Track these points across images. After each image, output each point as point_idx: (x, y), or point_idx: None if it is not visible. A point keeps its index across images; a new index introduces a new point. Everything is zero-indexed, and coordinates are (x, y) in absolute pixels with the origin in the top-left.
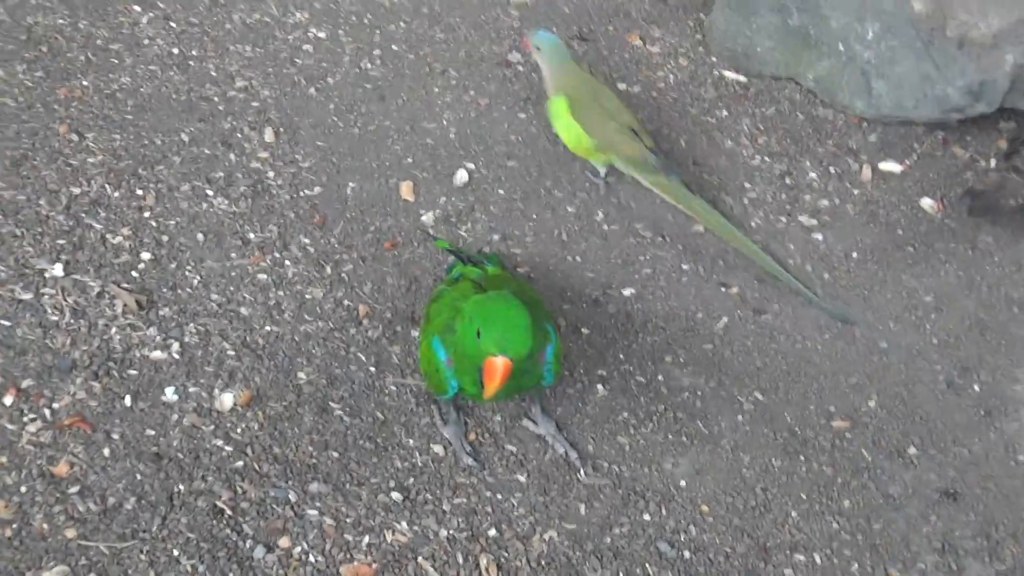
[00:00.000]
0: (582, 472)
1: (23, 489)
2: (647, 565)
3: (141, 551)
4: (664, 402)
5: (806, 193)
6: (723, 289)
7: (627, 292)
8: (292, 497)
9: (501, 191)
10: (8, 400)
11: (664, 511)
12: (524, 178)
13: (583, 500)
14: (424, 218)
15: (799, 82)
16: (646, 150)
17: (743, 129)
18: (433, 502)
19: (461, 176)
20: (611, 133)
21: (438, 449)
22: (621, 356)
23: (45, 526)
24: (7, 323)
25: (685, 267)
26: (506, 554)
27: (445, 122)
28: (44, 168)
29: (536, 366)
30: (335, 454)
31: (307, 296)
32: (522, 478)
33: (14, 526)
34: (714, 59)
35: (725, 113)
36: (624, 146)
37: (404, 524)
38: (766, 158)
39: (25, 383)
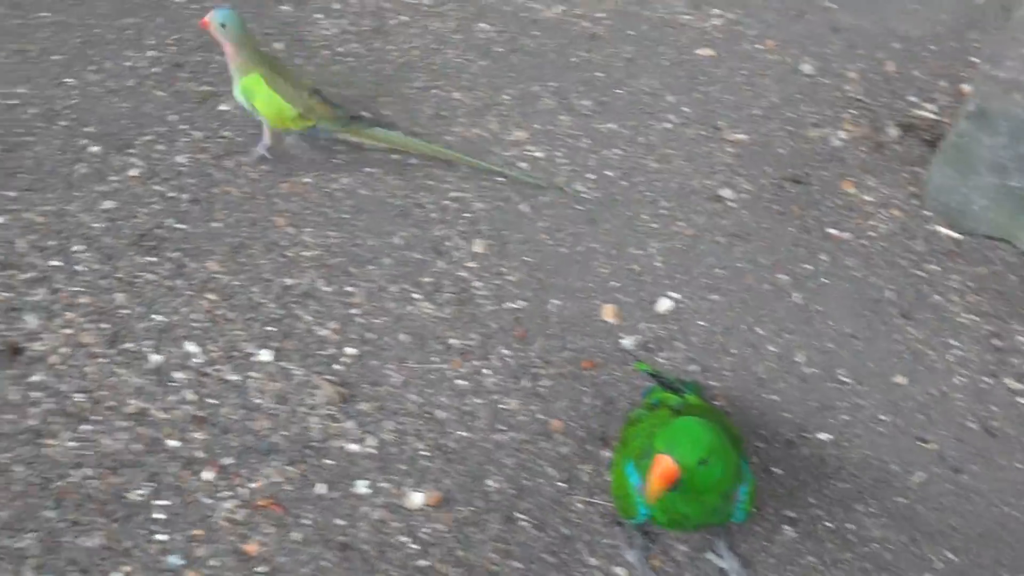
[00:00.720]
0: None
1: (214, 563)
2: None
3: None
4: (852, 551)
5: (1014, 356)
6: (921, 444)
7: (823, 436)
8: None
9: (702, 323)
10: (209, 475)
11: None
12: (727, 312)
13: None
14: (624, 342)
15: (1014, 244)
16: (335, 108)
17: (952, 286)
18: None
19: (663, 304)
20: (307, 99)
21: (620, 572)
22: (811, 500)
23: None
24: (214, 401)
25: (884, 418)
26: None
27: (652, 249)
28: (260, 257)
29: (729, 504)
30: (518, 564)
31: (502, 406)
32: None
33: None
34: (927, 213)
35: (935, 268)
36: (320, 108)
37: None
38: (975, 317)
39: (226, 461)
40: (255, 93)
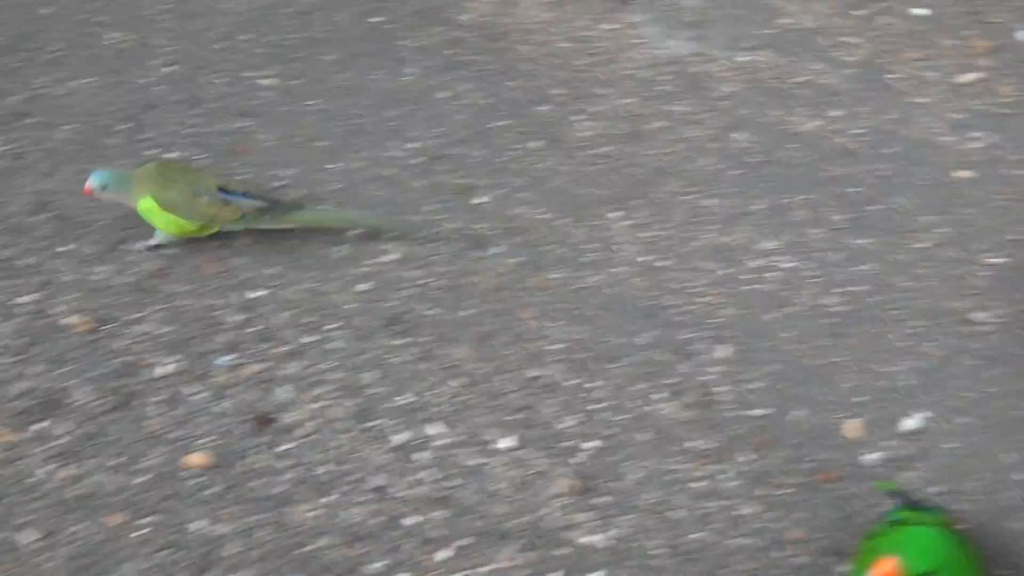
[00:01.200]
0: None
1: None
2: None
3: None
4: None
5: None
6: None
7: None
8: None
9: (948, 445)
10: (444, 555)
11: None
12: (974, 436)
13: None
14: (864, 458)
15: None
16: (238, 210)
17: None
18: None
19: (908, 423)
20: (206, 208)
21: None
22: None
23: None
24: (453, 484)
25: None
26: None
27: (898, 367)
28: (506, 348)
29: None
30: None
31: (736, 512)
32: None
33: None
34: None
35: None
36: (223, 212)
37: None
38: None
39: (462, 542)
40: (152, 216)
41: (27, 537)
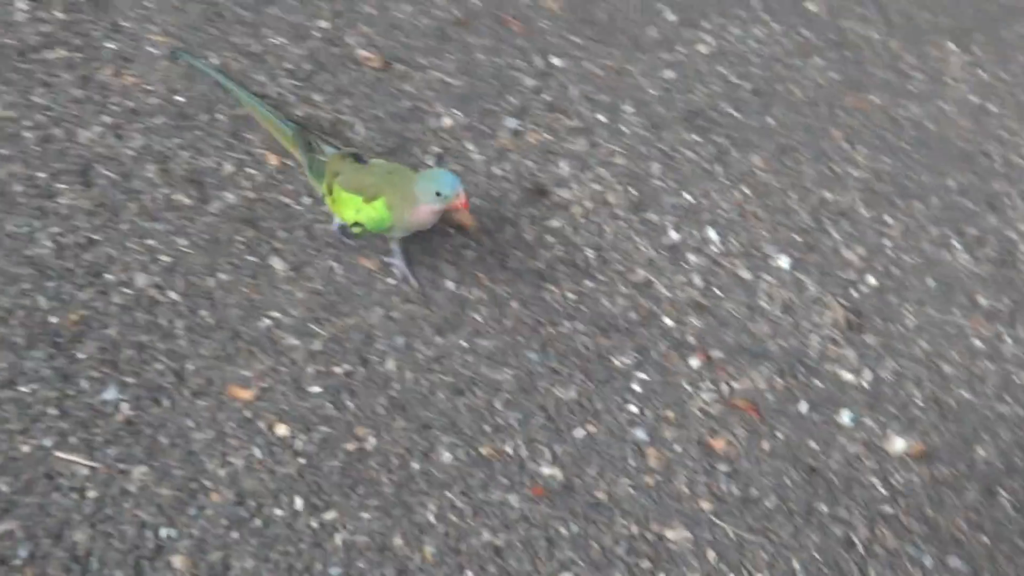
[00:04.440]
0: None
1: (677, 448)
2: None
3: (764, 549)
4: None
5: None
6: None
7: None
8: (928, 563)
9: None
10: (695, 362)
11: None
12: None
13: None
14: None
15: None
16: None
17: None
18: None
19: None
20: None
21: None
22: None
23: (685, 489)
24: (719, 293)
25: None
26: None
27: None
28: (807, 165)
29: None
30: (985, 539)
31: (1015, 379)
32: None
33: (658, 477)
34: None
35: None
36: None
37: None
38: None
39: (715, 353)
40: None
41: (278, 264)
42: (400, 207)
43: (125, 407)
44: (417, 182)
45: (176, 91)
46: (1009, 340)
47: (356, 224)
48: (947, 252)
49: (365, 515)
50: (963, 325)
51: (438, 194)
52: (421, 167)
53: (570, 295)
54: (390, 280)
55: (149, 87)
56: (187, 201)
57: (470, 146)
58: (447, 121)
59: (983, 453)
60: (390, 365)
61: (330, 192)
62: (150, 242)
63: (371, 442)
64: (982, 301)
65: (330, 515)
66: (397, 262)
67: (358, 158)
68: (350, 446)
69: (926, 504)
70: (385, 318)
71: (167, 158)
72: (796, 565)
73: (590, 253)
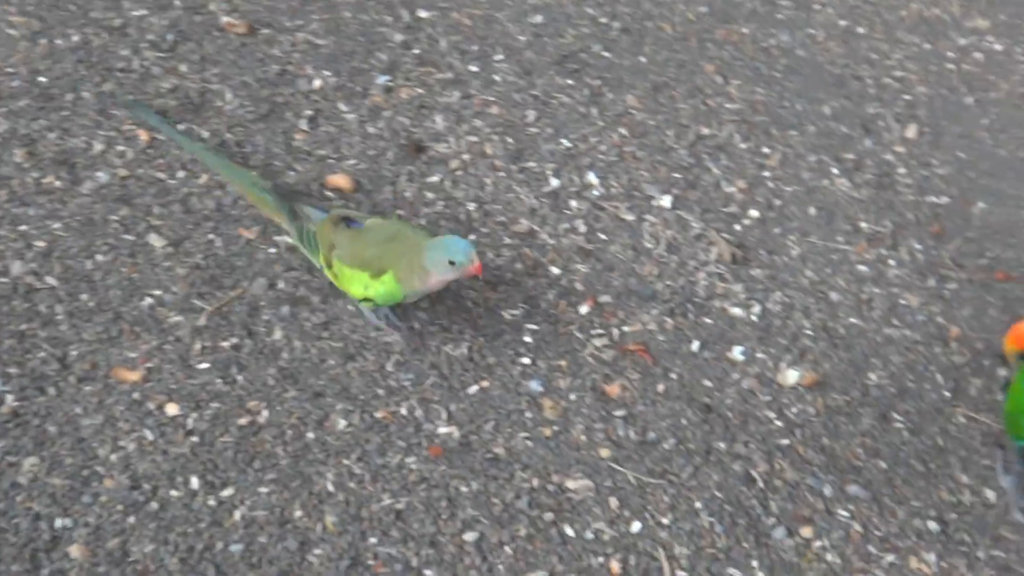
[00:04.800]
0: None
1: (573, 397)
2: None
3: (665, 492)
4: None
5: None
6: None
7: None
8: (827, 491)
9: None
10: (584, 309)
11: None
12: None
13: None
14: None
15: None
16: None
17: None
18: (970, 545)
19: None
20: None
21: (990, 495)
22: None
23: (583, 438)
24: (603, 237)
25: None
26: None
27: None
28: (681, 101)
29: None
30: (883, 464)
31: (901, 301)
32: None
33: (555, 428)
34: None
35: None
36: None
37: (932, 556)
38: None
39: (603, 298)
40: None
41: (156, 241)
42: (410, 278)
43: (10, 398)
44: (427, 252)
45: (38, 72)
46: (893, 263)
47: (366, 299)
48: (826, 179)
49: (263, 489)
50: (847, 251)
51: (452, 263)
52: (294, 134)
53: None
54: (271, 250)
55: (10, 69)
56: (58, 184)
57: (343, 106)
58: (317, 83)
59: (875, 379)
60: (278, 335)
61: (330, 266)
62: (23, 228)
63: (264, 415)
64: (864, 226)
65: (227, 492)
66: (370, 317)
67: (350, 221)
68: (243, 420)
69: (822, 434)
70: (269, 288)
71: (34, 141)
72: (698, 505)
73: (471, 207)
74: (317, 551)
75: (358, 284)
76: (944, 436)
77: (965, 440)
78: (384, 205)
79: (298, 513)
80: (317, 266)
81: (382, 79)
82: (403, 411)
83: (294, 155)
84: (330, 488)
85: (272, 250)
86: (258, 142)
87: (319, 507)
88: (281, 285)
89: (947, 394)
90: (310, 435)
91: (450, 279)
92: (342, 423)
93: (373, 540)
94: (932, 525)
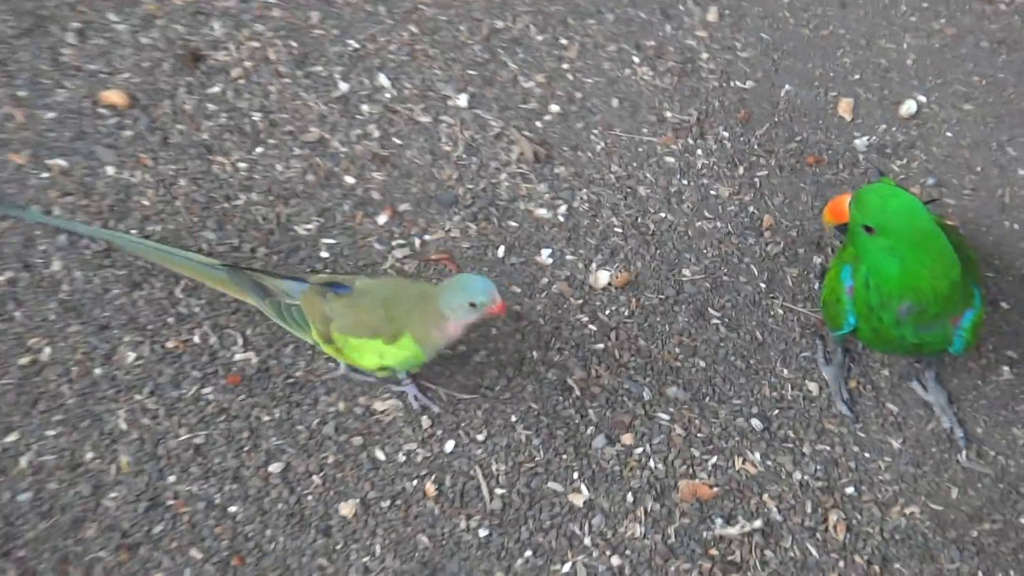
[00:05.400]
0: (964, 454)
1: None
2: (1011, 572)
3: (480, 407)
4: None
5: None
6: None
7: None
8: (646, 395)
9: (949, 133)
10: (382, 219)
11: None
12: (978, 126)
13: (957, 484)
14: (857, 142)
15: None
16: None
17: None
18: (794, 441)
19: (909, 107)
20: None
21: (812, 387)
22: None
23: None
24: (399, 142)
25: None
26: (859, 516)
27: (905, 45)
28: None
29: (947, 328)
30: (702, 363)
31: (712, 192)
32: (896, 443)
33: None
34: None
35: None
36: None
37: (757, 455)
38: None
39: (403, 207)
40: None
41: None
42: (428, 334)
43: None
44: (442, 296)
45: None
46: (700, 153)
47: (382, 368)
48: (628, 68)
49: (50, 432)
50: (653, 143)
51: (473, 305)
52: (62, 50)
53: (241, 165)
54: (44, 175)
55: None
56: None
57: (112, 16)
58: None
59: (689, 275)
60: (56, 266)
61: (329, 341)
62: None
63: (46, 352)
64: (669, 115)
65: (11, 438)
66: (410, 390)
67: (335, 287)
68: (24, 360)
69: (638, 335)
70: (44, 215)
71: None
72: (514, 418)
73: (257, 117)
74: (112, 494)
75: (371, 354)
76: (763, 330)
77: (784, 332)
78: (163, 120)
79: (90, 455)
80: (310, 343)
81: None
82: (196, 339)
83: (62, 71)
84: (123, 426)
85: (45, 175)
86: (22, 59)
87: (112, 447)
88: (57, 212)
89: (763, 286)
90: (98, 371)
91: (472, 323)
92: (131, 356)
93: (172, 478)
94: (756, 423)
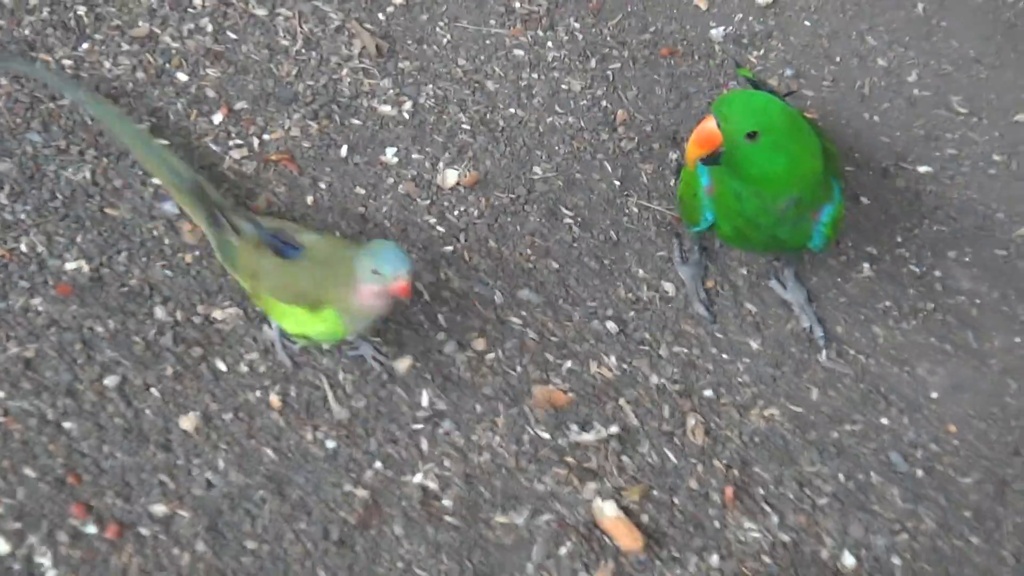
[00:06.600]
0: (824, 354)
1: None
2: (872, 473)
3: None
4: (935, 301)
5: None
6: None
7: (923, 169)
8: (498, 299)
9: (807, 22)
10: (217, 119)
11: (906, 419)
12: (837, 15)
13: (817, 384)
14: (713, 32)
15: None
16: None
17: None
18: (651, 343)
19: None
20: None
21: (669, 288)
22: (899, 239)
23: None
24: (234, 36)
25: (997, 158)
26: (717, 420)
27: None
28: None
29: (805, 223)
30: (555, 264)
31: (563, 86)
32: (755, 343)
33: (196, 253)
34: None
35: None
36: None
37: (613, 359)
38: None
39: (239, 105)
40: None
41: None
42: (347, 302)
43: None
44: (356, 258)
45: None
46: (551, 45)
47: (304, 337)
48: None
49: None
50: (502, 35)
51: (375, 272)
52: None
53: (67, 62)
54: None
55: None
56: None
57: None
58: None
59: (540, 172)
60: None
61: (255, 295)
62: None
63: None
64: (517, 6)
65: None
66: (366, 351)
67: (283, 246)
68: None
69: (488, 236)
70: None
71: None
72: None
73: (81, 10)
74: None
75: (292, 321)
76: (617, 229)
77: (640, 231)
78: None
79: None
80: (243, 288)
81: None
82: (23, 247)
83: None
84: None
85: None
86: None
87: None
88: None
89: (617, 183)
90: None
91: (377, 293)
92: None
93: (1, 394)
94: (611, 325)
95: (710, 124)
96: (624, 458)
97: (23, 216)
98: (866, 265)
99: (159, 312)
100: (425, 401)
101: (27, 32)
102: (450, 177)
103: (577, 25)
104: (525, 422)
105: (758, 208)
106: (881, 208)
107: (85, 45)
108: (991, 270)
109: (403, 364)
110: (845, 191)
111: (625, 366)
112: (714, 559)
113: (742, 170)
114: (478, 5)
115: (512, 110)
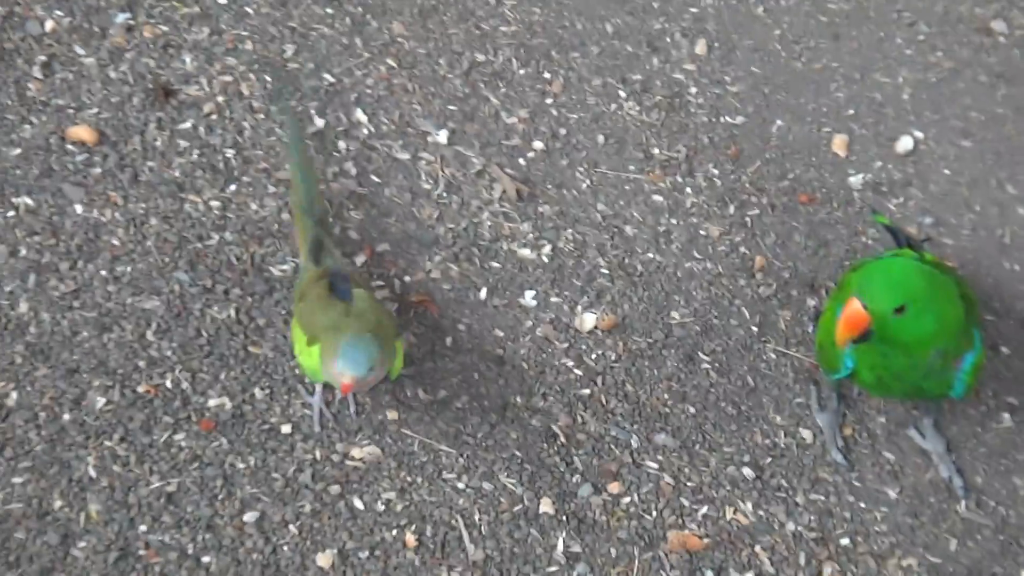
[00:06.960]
0: (963, 504)
1: None
2: None
3: (461, 455)
4: None
5: None
6: None
7: None
8: (634, 443)
9: (946, 171)
10: (360, 260)
11: None
12: (976, 163)
13: (956, 535)
14: (852, 180)
15: None
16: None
17: None
18: (787, 490)
19: (905, 143)
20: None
21: (806, 434)
22: None
23: (368, 400)
24: (377, 180)
25: None
26: (854, 569)
27: (900, 79)
28: (452, 26)
29: (948, 372)
30: (692, 409)
31: (701, 231)
32: (893, 492)
33: (336, 393)
34: None
35: None
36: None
37: (749, 505)
38: None
39: (382, 247)
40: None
41: None
42: (325, 366)
43: None
44: (342, 341)
45: None
46: (689, 191)
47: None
48: (614, 103)
49: (17, 480)
50: (640, 181)
51: (330, 370)
52: (28, 83)
53: (214, 203)
54: (10, 213)
55: None
56: None
57: (80, 50)
58: (49, 24)
59: (678, 317)
60: (23, 308)
61: (294, 316)
62: None
63: (13, 397)
64: (657, 152)
65: None
66: (315, 401)
67: (339, 291)
68: None
69: (625, 380)
70: (10, 256)
71: None
72: (497, 467)
73: (230, 153)
74: (82, 544)
75: (297, 344)
76: (754, 375)
77: (777, 378)
78: (133, 157)
79: (58, 503)
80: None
81: (121, 17)
82: (168, 383)
83: (28, 107)
84: (92, 473)
85: (11, 213)
86: None
87: (81, 495)
88: (24, 252)
89: (755, 329)
90: (66, 416)
91: (335, 376)
92: (101, 401)
93: (143, 527)
94: (747, 471)
95: (856, 307)
96: None
97: (169, 353)
98: (1006, 415)
99: (299, 449)
100: (560, 544)
101: (177, 174)
102: (588, 321)
103: (716, 171)
104: (660, 567)
105: (905, 365)
106: (1022, 358)
107: (233, 187)
108: None
109: (543, 506)
110: (985, 339)
111: (761, 512)
112: None
113: (894, 341)
114: (618, 151)
115: (650, 255)
